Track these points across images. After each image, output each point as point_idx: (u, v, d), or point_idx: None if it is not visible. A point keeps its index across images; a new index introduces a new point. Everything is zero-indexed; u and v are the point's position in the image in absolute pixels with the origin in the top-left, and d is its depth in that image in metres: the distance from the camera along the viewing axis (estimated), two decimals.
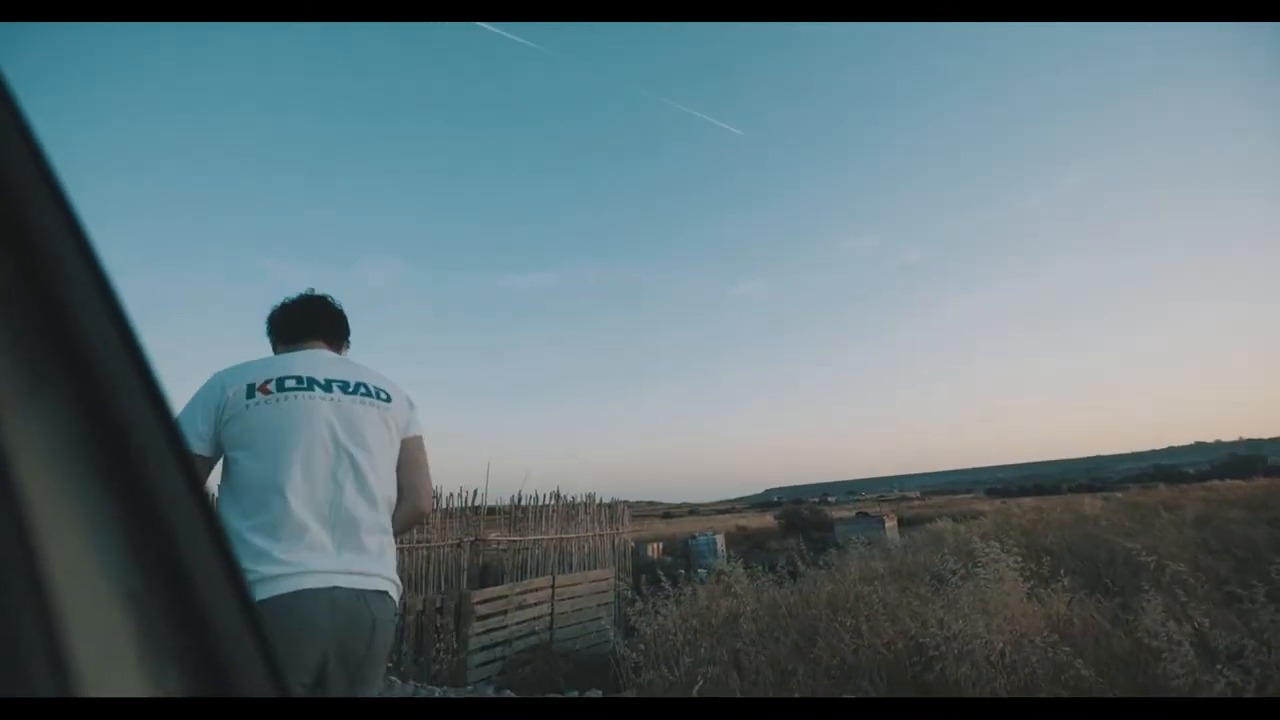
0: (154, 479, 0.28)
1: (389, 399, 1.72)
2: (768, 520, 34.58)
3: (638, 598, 5.42)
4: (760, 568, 6.34)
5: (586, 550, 8.41)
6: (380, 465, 1.62)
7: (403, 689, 2.72)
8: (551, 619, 6.67)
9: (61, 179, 0.29)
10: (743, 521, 38.28)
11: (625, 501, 9.69)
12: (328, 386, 1.64)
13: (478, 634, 5.70)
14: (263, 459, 1.50)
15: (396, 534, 1.68)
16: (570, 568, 7.91)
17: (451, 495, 6.86)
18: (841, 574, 5.98)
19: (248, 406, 1.53)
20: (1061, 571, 4.49)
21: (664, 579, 5.67)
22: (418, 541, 6.14)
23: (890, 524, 18.94)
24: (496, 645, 5.88)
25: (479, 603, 5.82)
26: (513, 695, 2.53)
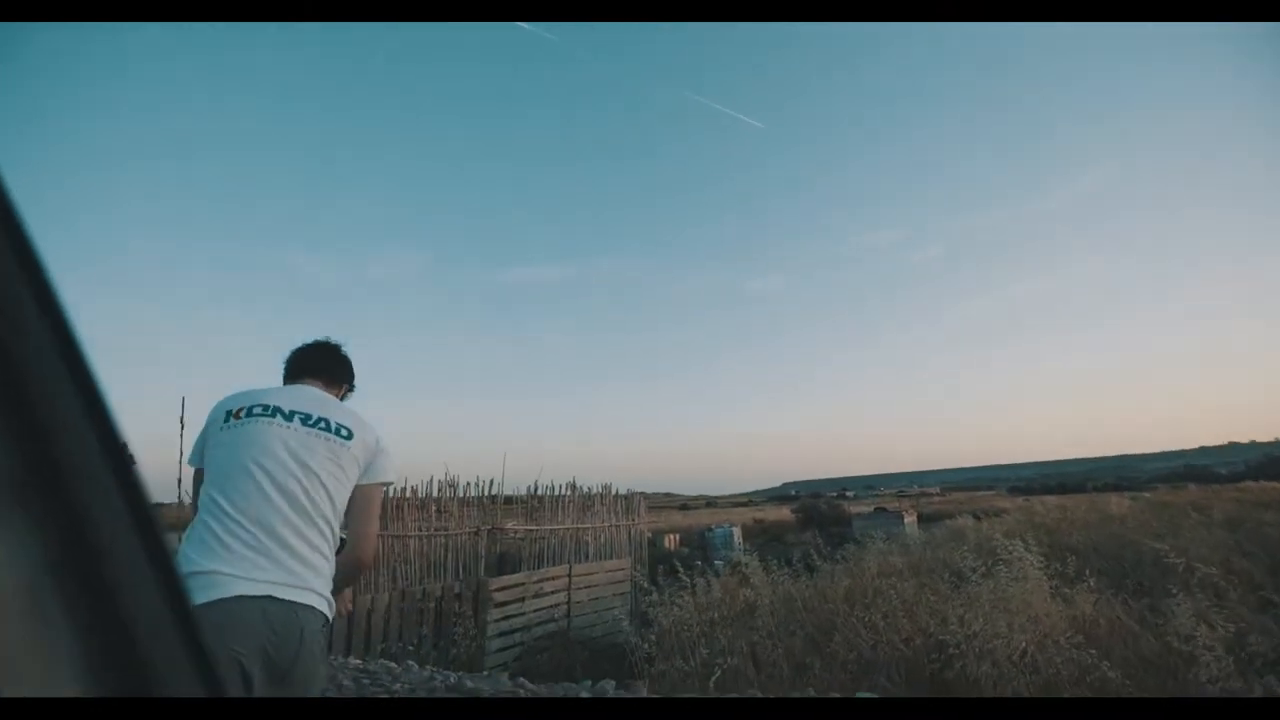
0: (79, 480, 0.27)
1: (349, 436, 1.83)
2: (785, 514, 34.44)
3: (654, 588, 5.42)
4: (777, 561, 6.30)
5: (603, 540, 8.45)
6: (322, 494, 1.73)
7: (420, 673, 2.74)
8: (568, 607, 6.71)
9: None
10: (760, 515, 38.18)
11: (641, 493, 9.70)
12: (289, 416, 1.79)
13: (496, 620, 5.75)
14: (215, 477, 1.68)
15: (337, 583, 1.77)
16: (587, 557, 7.94)
17: (469, 484, 6.92)
18: (859, 569, 5.92)
19: (221, 430, 1.74)
20: (1087, 572, 4.39)
21: (680, 570, 5.66)
22: (436, 529, 6.20)
23: (909, 520, 18.76)
24: (514, 632, 5.93)
25: (497, 590, 5.87)
26: (527, 684, 2.53)
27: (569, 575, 6.86)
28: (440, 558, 6.16)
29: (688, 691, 3.39)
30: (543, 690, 2.55)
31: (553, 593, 6.57)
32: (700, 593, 5.06)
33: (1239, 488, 17.47)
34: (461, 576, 6.19)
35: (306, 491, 1.70)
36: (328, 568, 1.73)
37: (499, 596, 5.86)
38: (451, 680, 2.65)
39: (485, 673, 2.78)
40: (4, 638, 0.24)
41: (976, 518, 13.03)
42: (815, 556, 6.83)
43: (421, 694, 2.49)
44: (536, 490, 7.84)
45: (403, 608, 5.34)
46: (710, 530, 18.84)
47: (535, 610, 6.24)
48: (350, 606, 2.41)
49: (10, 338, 0.27)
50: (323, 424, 1.81)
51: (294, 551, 1.65)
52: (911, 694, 3.08)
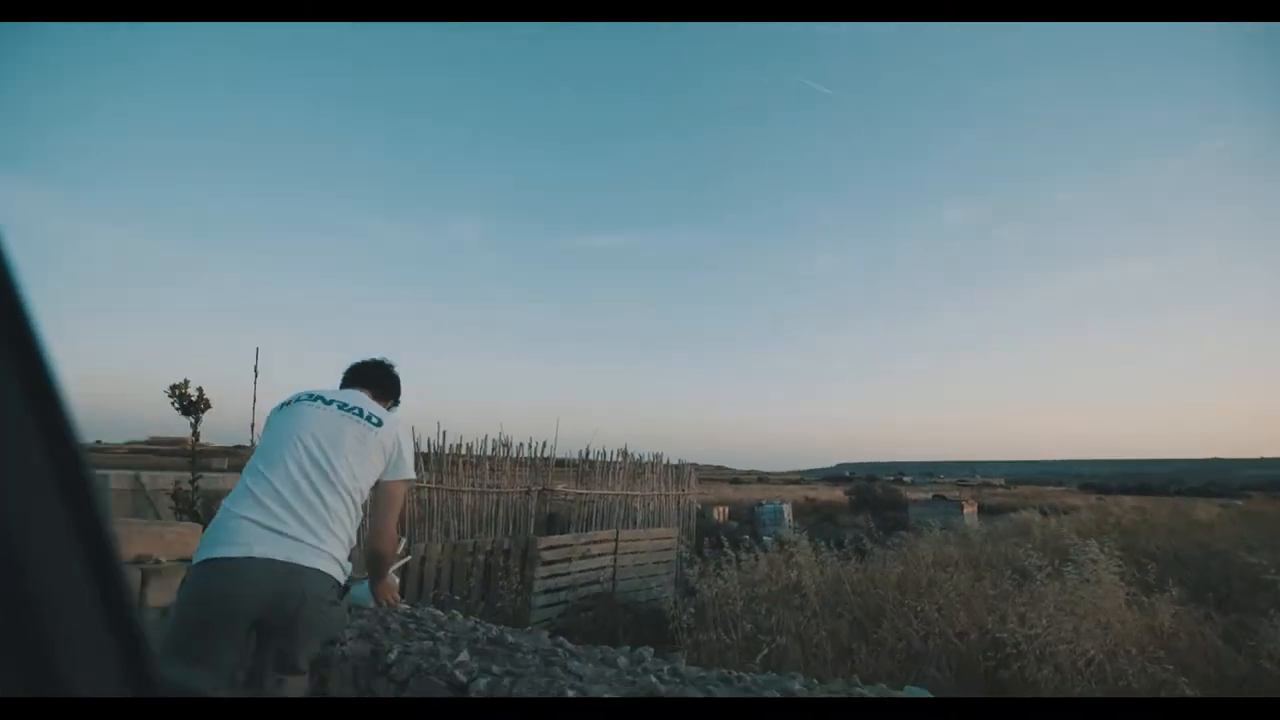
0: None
1: (378, 424, 2.09)
2: (838, 494, 33.90)
3: (699, 560, 5.40)
4: (826, 542, 6.17)
5: (651, 508, 8.49)
6: (345, 466, 1.98)
7: (464, 624, 2.79)
8: (614, 571, 6.80)
9: None
10: (812, 493, 37.72)
11: (693, 464, 9.67)
12: (329, 403, 2.09)
13: (542, 578, 5.88)
14: (260, 449, 1.98)
15: (371, 573, 2.19)
16: (635, 524, 8.00)
17: (521, 445, 7.04)
18: (913, 556, 5.72)
19: (273, 415, 2.09)
20: (1170, 581, 4.07)
21: (726, 544, 5.62)
22: (489, 487, 6.35)
23: (969, 510, 18.10)
24: (560, 590, 6.05)
25: (545, 548, 5.99)
26: (566, 643, 2.54)
27: (616, 540, 6.94)
28: (492, 514, 6.32)
29: (727, 664, 3.36)
30: (581, 650, 2.56)
31: (599, 555, 6.66)
32: (746, 568, 5.01)
33: None
34: (511, 534, 6.35)
35: (330, 461, 1.96)
36: (344, 532, 1.94)
37: (546, 555, 5.98)
38: (493, 633, 2.69)
39: (528, 629, 2.80)
40: None
41: (1043, 513, 12.41)
42: (867, 540, 6.64)
43: (464, 643, 2.53)
44: (588, 454, 7.92)
45: (454, 560, 5.52)
46: (760, 506, 18.73)
47: (581, 571, 6.34)
48: (397, 597, 2.52)
49: None
50: (356, 411, 2.10)
51: (314, 511, 1.89)
52: (962, 690, 2.95)
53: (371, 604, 2.55)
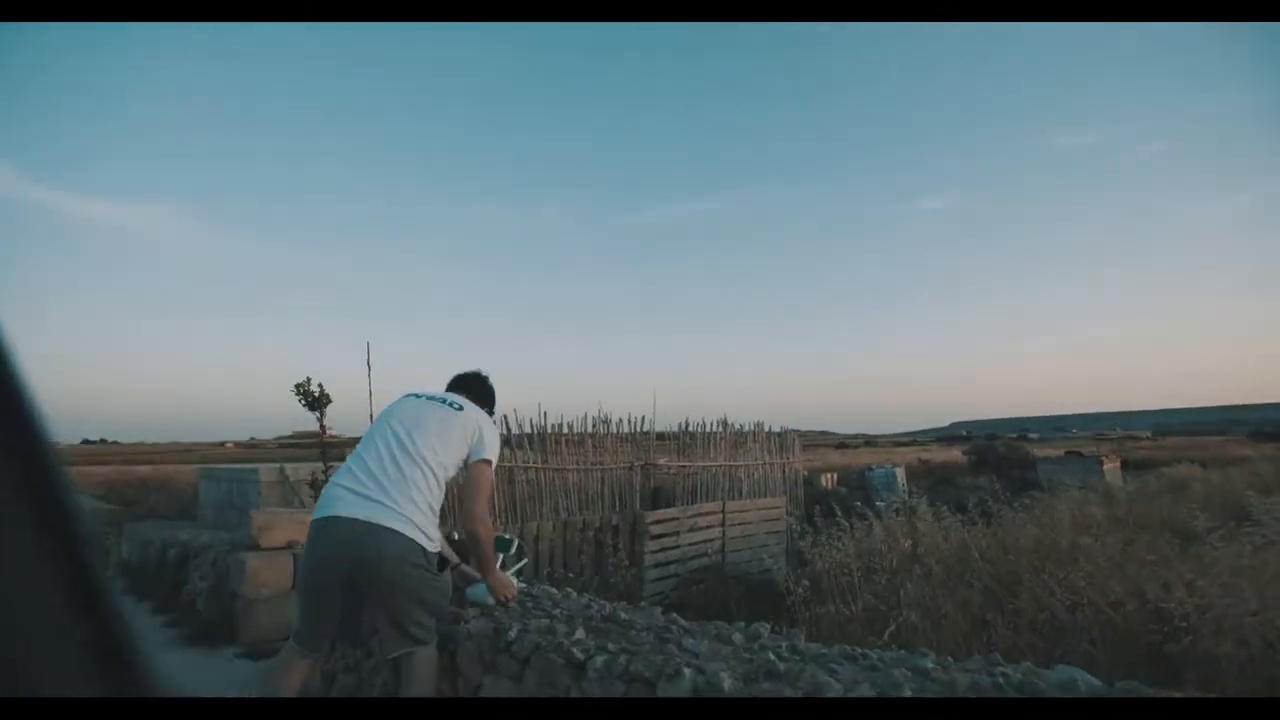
0: None
1: (460, 409, 2.38)
2: (954, 455, 32.02)
3: (810, 529, 5.24)
4: (947, 506, 5.80)
5: (756, 478, 8.36)
6: (429, 445, 2.24)
7: (578, 601, 2.83)
8: (723, 543, 6.76)
9: None
10: (925, 455, 35.85)
11: (795, 430, 9.41)
12: (419, 397, 2.43)
13: (652, 552, 5.94)
14: (364, 436, 2.37)
15: (474, 558, 2.46)
16: (740, 494, 7.91)
17: (621, 420, 7.10)
18: (1049, 519, 5.26)
19: (382, 411, 2.47)
20: None
21: (838, 511, 5.41)
22: (592, 464, 6.47)
23: (1111, 466, 16.53)
24: (670, 564, 6.10)
25: (653, 523, 6.04)
26: (680, 619, 2.51)
27: (722, 511, 6.89)
28: (597, 491, 6.44)
29: (848, 639, 3.23)
30: (695, 627, 2.52)
31: (706, 528, 6.65)
32: (860, 536, 4.80)
33: None
34: (617, 509, 6.45)
35: (411, 438, 2.24)
36: (422, 499, 2.18)
37: (654, 529, 6.03)
38: (607, 610, 2.71)
39: (642, 604, 2.81)
40: None
41: (1204, 466, 11.06)
42: (992, 502, 6.18)
43: (579, 620, 2.56)
44: (688, 427, 7.88)
45: (565, 538, 5.68)
46: (870, 470, 18.03)
47: (690, 544, 6.35)
48: (513, 593, 2.63)
49: None
50: (442, 400, 2.42)
51: (391, 479, 2.16)
52: (1122, 667, 2.65)
53: (490, 601, 2.63)
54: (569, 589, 3.00)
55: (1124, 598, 3.10)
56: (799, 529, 5.75)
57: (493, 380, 2.67)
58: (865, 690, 1.74)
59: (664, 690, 1.90)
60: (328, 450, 5.44)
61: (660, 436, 7.73)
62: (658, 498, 7.09)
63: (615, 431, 6.99)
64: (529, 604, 2.75)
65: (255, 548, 4.36)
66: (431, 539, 2.21)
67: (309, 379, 5.25)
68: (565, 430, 6.51)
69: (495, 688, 2.34)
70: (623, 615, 2.56)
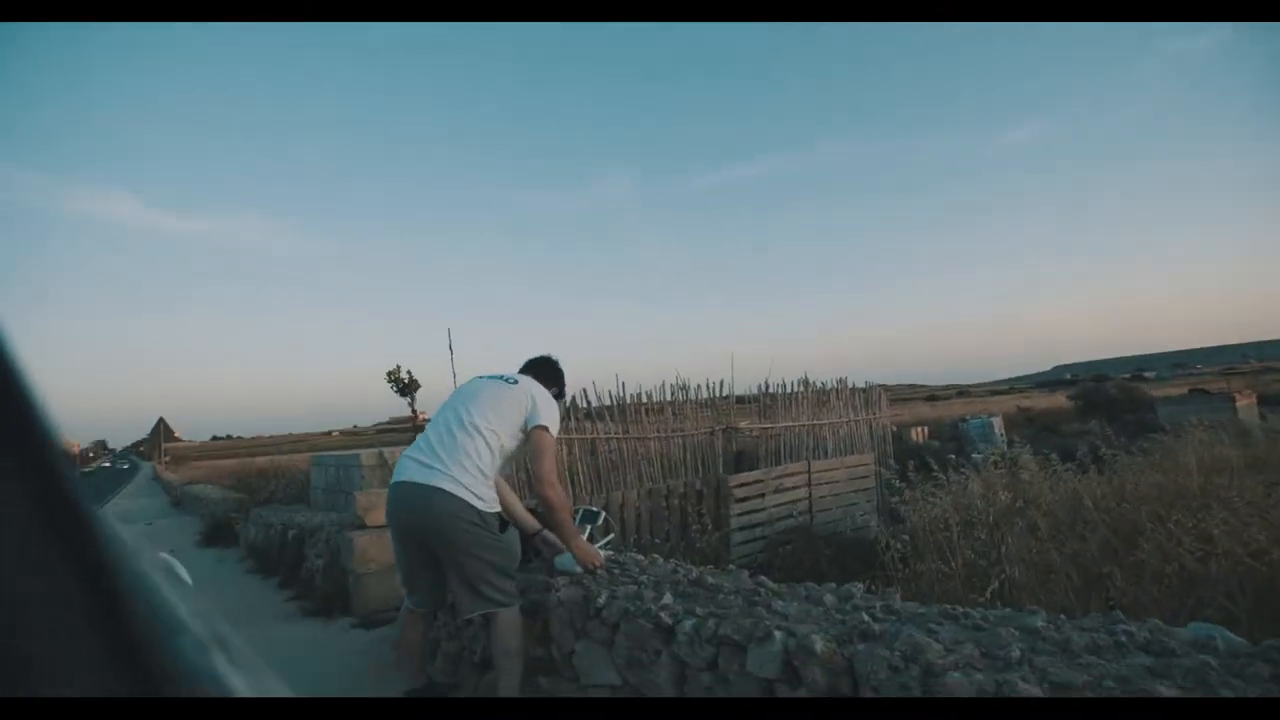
0: None
1: (514, 383, 2.59)
2: (1059, 400, 29.96)
3: (902, 484, 5.04)
4: (1052, 454, 5.42)
5: (841, 435, 8.14)
6: (484, 414, 2.45)
7: (664, 567, 2.84)
8: (810, 503, 6.64)
9: None
10: (1025, 402, 33.75)
11: (882, 385, 9.06)
12: (485, 377, 2.66)
13: (737, 515, 5.92)
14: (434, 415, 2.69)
15: (552, 525, 2.69)
16: (825, 454, 7.73)
17: (700, 386, 7.05)
18: (1173, 463, 4.81)
19: None
20: None
21: (933, 465, 5.16)
22: (673, 431, 6.48)
23: (1244, 403, 14.97)
24: (756, 526, 6.06)
25: (736, 486, 6.00)
26: (768, 582, 2.47)
27: (808, 471, 6.75)
28: (679, 457, 6.46)
29: (948, 597, 3.09)
30: (784, 589, 2.47)
31: (792, 489, 6.54)
32: (957, 490, 4.57)
33: None
34: (700, 474, 6.45)
35: (467, 410, 2.47)
36: (471, 463, 2.37)
37: (739, 493, 5.99)
38: (693, 575, 2.71)
39: (729, 568, 2.79)
40: None
41: None
42: (1104, 448, 5.72)
43: (666, 586, 2.56)
44: (767, 388, 7.74)
45: (650, 505, 5.74)
46: (964, 421, 17.16)
47: (776, 506, 6.28)
48: (599, 560, 2.70)
49: None
50: (500, 377, 2.63)
51: (445, 446, 2.40)
52: (1266, 622, 2.39)
53: (578, 570, 2.69)
54: (655, 555, 3.02)
55: (1269, 546, 2.79)
56: (893, 483, 5.55)
57: (561, 364, 2.86)
58: (969, 650, 1.65)
59: (754, 653, 1.88)
60: (420, 432, 5.72)
61: (740, 400, 7.63)
62: (741, 461, 7.03)
63: (694, 398, 6.96)
64: (616, 571, 2.79)
65: (362, 526, 4.67)
66: (482, 498, 2.38)
67: (399, 366, 5.51)
68: (645, 400, 6.54)
69: (587, 653, 2.39)
70: (709, 579, 2.55)
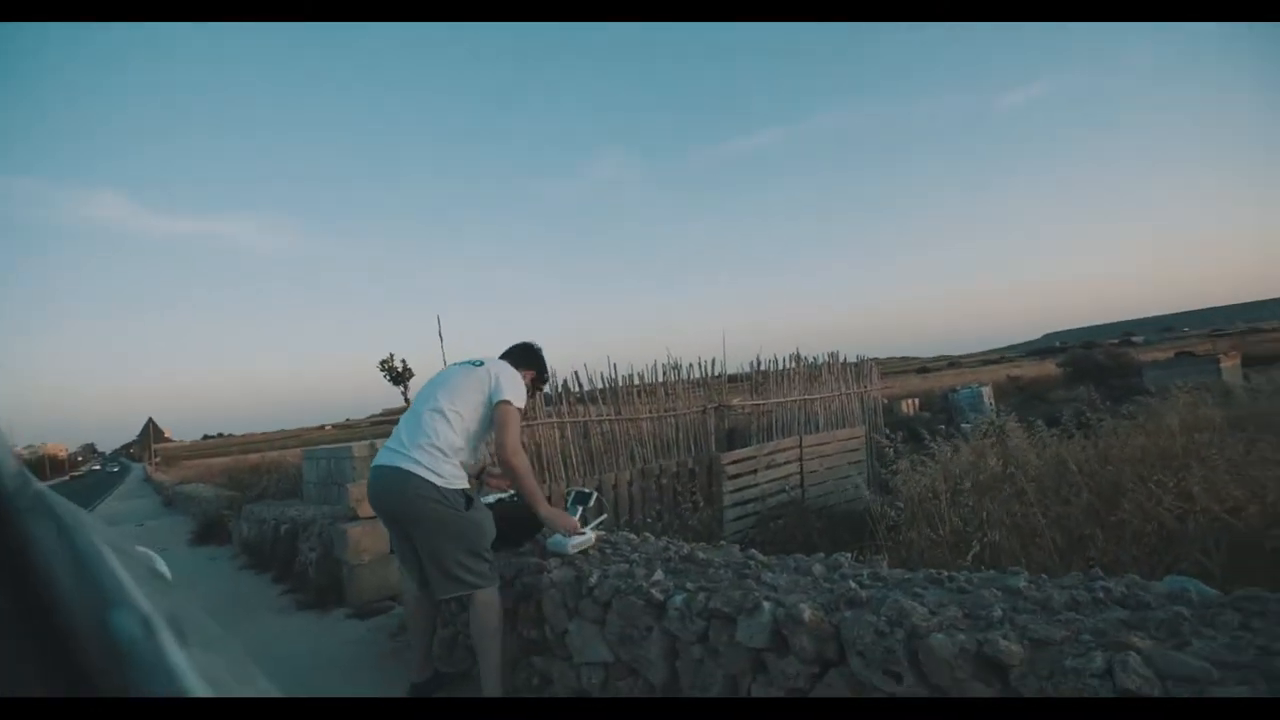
0: None
1: (480, 364, 2.70)
2: (1048, 368, 30.24)
3: (895, 454, 5.10)
4: (1038, 421, 5.49)
5: (833, 409, 8.19)
6: (447, 398, 2.58)
7: (655, 544, 2.87)
8: (801, 478, 6.70)
9: None
10: (1015, 371, 34.04)
11: (873, 359, 9.11)
12: (455, 364, 2.79)
13: (730, 492, 5.97)
14: None
15: (518, 489, 2.69)
16: (817, 428, 7.79)
17: (691, 365, 7.06)
18: (1156, 425, 4.88)
19: None
20: None
21: (925, 435, 5.22)
22: (665, 411, 6.50)
23: (1229, 363, 15.18)
24: (749, 503, 6.11)
25: (729, 463, 6.05)
26: (758, 555, 2.50)
27: (800, 446, 6.80)
28: (672, 437, 6.48)
29: (934, 563, 3.15)
30: (774, 562, 2.50)
31: (785, 464, 6.59)
32: (945, 458, 4.62)
33: None
34: (693, 453, 6.48)
35: (436, 397, 2.59)
36: (432, 445, 2.48)
37: (731, 470, 6.04)
38: (684, 551, 2.74)
39: (720, 543, 2.82)
40: None
41: None
42: (1089, 413, 5.79)
43: (657, 563, 2.59)
44: (759, 365, 7.76)
45: (643, 485, 5.78)
46: (954, 391, 17.31)
47: (768, 482, 6.34)
48: (574, 525, 2.73)
49: None
50: (469, 362, 2.75)
51: (412, 430, 2.53)
52: (1240, 575, 2.45)
53: (569, 551, 2.72)
54: (647, 534, 3.05)
55: (1245, 501, 2.85)
56: (884, 454, 5.59)
57: (541, 350, 2.98)
58: (953, 612, 1.68)
59: (743, 624, 1.91)
60: None
61: (733, 378, 7.65)
62: (733, 438, 7.07)
63: (686, 377, 6.97)
64: (608, 550, 2.82)
65: (354, 518, 4.68)
66: (441, 474, 2.46)
67: (392, 355, 5.49)
68: (636, 381, 6.54)
69: (580, 632, 2.42)
70: (700, 555, 2.58)
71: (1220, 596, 1.57)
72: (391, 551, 2.88)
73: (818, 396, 8.05)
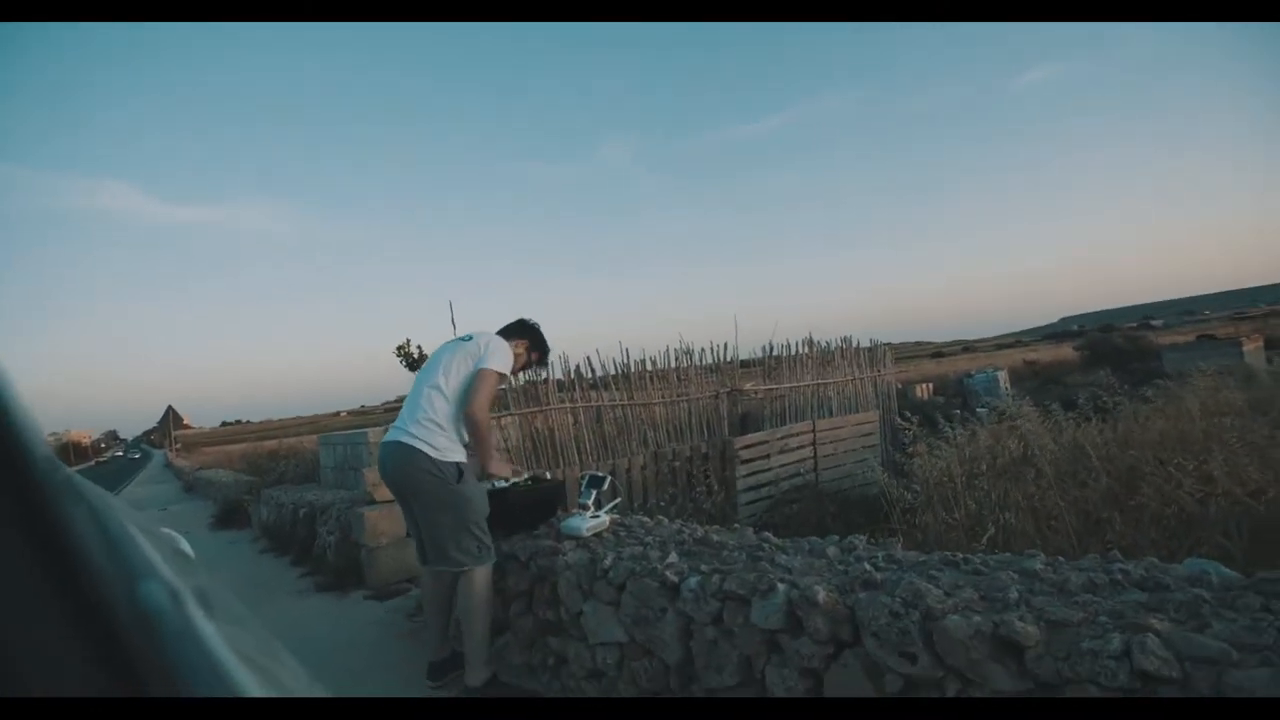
0: None
1: (470, 339, 2.78)
2: (1064, 352, 29.88)
3: (910, 436, 5.07)
4: (1055, 405, 5.43)
5: (846, 394, 8.15)
6: (444, 374, 2.67)
7: (669, 527, 2.89)
8: (815, 462, 6.70)
9: None
10: (1031, 355, 33.68)
11: (887, 344, 9.04)
12: (450, 340, 2.86)
13: (743, 476, 5.98)
14: None
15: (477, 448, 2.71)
16: (830, 413, 7.76)
17: (703, 350, 7.05)
18: (1176, 409, 4.81)
19: None
20: None
21: (940, 419, 5.18)
22: (677, 396, 6.50)
23: (1252, 346, 14.91)
24: (762, 486, 6.13)
25: (742, 448, 6.05)
26: (772, 538, 2.50)
27: (813, 430, 6.79)
28: (685, 422, 6.49)
29: (949, 546, 3.14)
30: (788, 544, 2.51)
31: (798, 448, 6.59)
32: (960, 443, 4.59)
33: None
34: (706, 437, 6.49)
35: (432, 374, 2.70)
36: (428, 418, 2.59)
37: (744, 454, 6.05)
38: (699, 534, 2.75)
39: (734, 526, 2.83)
40: None
41: None
42: (1106, 397, 5.71)
43: (671, 545, 2.60)
44: (771, 350, 7.73)
45: (656, 469, 5.80)
46: (969, 376, 17.16)
47: (781, 466, 6.34)
48: (506, 472, 2.91)
49: None
50: (462, 337, 2.82)
51: (411, 407, 2.67)
52: (1261, 559, 2.42)
53: (583, 534, 2.75)
54: (661, 517, 3.07)
55: (1266, 485, 2.81)
56: (902, 439, 5.56)
57: (538, 326, 3.05)
58: (968, 594, 1.68)
59: (758, 606, 1.92)
60: None
61: (745, 363, 7.63)
62: (746, 423, 7.07)
63: (698, 362, 6.96)
64: (622, 533, 2.84)
65: (371, 502, 4.74)
66: (436, 446, 2.56)
67: (408, 340, 5.54)
68: (649, 366, 6.54)
69: (595, 613, 2.45)
70: (714, 538, 2.59)
71: (1241, 579, 1.55)
72: (409, 535, 3.03)
73: (831, 381, 8.01)
